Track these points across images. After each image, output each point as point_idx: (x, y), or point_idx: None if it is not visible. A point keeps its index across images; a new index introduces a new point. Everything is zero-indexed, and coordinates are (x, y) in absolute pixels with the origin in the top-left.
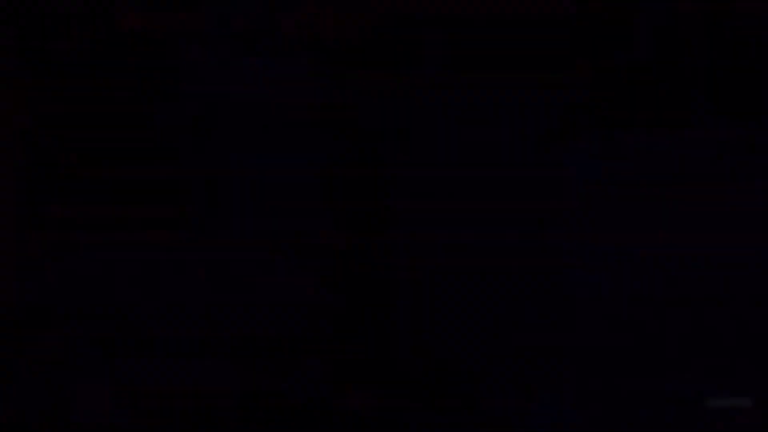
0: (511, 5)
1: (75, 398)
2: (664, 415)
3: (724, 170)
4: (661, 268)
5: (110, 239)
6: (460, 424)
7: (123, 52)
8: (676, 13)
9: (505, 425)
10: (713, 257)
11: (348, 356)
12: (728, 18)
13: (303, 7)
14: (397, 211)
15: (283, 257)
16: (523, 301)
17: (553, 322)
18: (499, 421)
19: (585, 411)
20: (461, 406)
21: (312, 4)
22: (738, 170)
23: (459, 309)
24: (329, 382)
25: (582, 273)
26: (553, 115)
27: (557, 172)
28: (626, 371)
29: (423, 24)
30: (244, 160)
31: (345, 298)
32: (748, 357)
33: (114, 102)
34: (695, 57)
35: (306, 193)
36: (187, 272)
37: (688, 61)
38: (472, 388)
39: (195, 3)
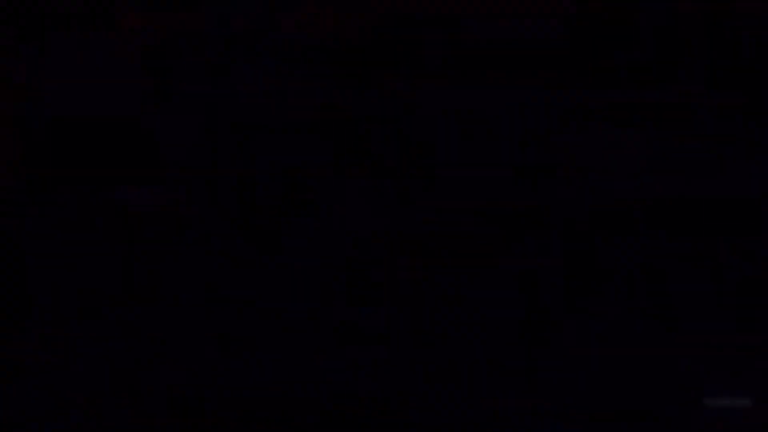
0: (511, 5)
1: (75, 398)
2: (664, 415)
3: (723, 168)
4: (660, 268)
5: (110, 236)
6: (460, 424)
7: (123, 52)
8: (676, 13)
9: (505, 425)
10: (713, 257)
11: (348, 352)
12: (728, 18)
13: (303, 7)
14: (399, 210)
15: (284, 257)
16: (523, 300)
17: (553, 323)
18: (499, 421)
19: (585, 411)
20: (460, 405)
21: (312, 4)
22: (738, 169)
23: (459, 309)
24: (329, 380)
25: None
26: (553, 115)
27: (557, 171)
28: (626, 372)
29: (423, 24)
30: (244, 160)
31: (345, 298)
32: (748, 357)
33: (113, 102)
34: (695, 57)
35: (306, 192)
36: (188, 272)
37: (688, 61)
38: (471, 388)
39: (195, 3)
